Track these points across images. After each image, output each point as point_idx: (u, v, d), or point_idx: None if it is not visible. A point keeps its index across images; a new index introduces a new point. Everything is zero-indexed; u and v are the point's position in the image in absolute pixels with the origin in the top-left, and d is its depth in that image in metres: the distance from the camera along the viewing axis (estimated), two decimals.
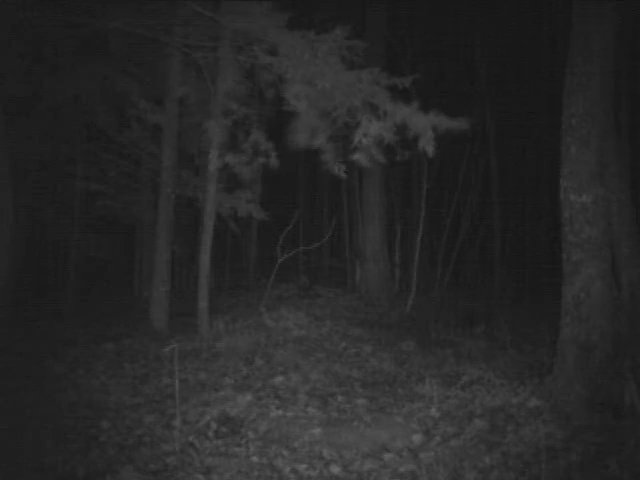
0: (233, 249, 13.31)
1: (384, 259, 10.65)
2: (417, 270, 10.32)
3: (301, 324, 7.97)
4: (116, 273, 12.34)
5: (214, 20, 6.28)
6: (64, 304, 9.20)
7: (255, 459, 3.96)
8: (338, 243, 14.19)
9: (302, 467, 3.86)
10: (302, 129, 6.28)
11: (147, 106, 7.97)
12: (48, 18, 6.63)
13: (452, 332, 8.10)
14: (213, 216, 7.49)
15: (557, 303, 4.99)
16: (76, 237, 9.67)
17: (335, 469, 3.84)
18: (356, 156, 6.26)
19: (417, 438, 4.28)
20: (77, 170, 9.31)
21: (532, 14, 12.17)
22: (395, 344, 7.33)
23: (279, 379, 5.81)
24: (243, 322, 7.93)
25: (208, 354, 6.63)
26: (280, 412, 4.88)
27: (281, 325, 7.87)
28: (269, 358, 6.54)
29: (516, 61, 13.26)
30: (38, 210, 9.55)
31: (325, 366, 6.34)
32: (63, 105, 8.04)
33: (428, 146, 5.99)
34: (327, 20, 8.43)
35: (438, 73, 13.20)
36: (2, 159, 6.30)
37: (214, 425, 4.51)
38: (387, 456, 4.01)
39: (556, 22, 11.33)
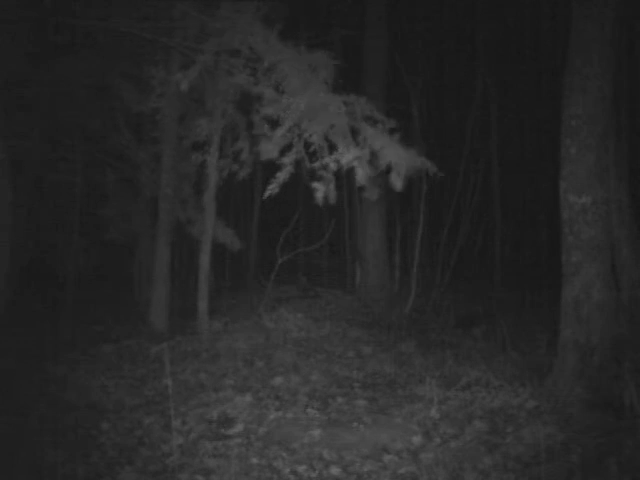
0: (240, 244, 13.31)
1: (384, 260, 10.64)
2: (417, 271, 10.31)
3: (301, 325, 7.97)
4: (116, 274, 12.32)
5: (209, 25, 6.29)
6: (64, 305, 9.19)
7: (255, 460, 3.96)
8: (338, 244, 14.18)
9: (302, 468, 3.86)
10: (275, 141, 6.28)
11: (137, 105, 7.90)
12: (45, 19, 6.64)
13: (452, 333, 8.10)
14: (213, 216, 7.49)
15: (557, 304, 4.99)
16: (76, 239, 9.66)
17: (335, 470, 3.84)
18: (315, 185, 6.18)
19: (417, 439, 4.28)
20: (77, 172, 9.30)
21: (533, 14, 12.20)
22: (395, 345, 7.33)
23: (279, 380, 5.80)
24: (243, 323, 7.92)
25: (208, 355, 6.63)
26: (280, 413, 4.88)
27: (281, 326, 7.87)
28: (269, 359, 6.54)
29: (517, 60, 13.28)
30: (38, 211, 9.54)
31: (325, 367, 6.34)
32: (59, 103, 8.01)
33: (398, 181, 5.97)
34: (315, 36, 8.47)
35: (439, 73, 13.22)
36: (2, 160, 6.30)
37: (214, 426, 4.52)
38: (387, 457, 4.01)
39: (557, 22, 11.35)
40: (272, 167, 7.20)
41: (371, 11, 10.44)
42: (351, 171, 6.14)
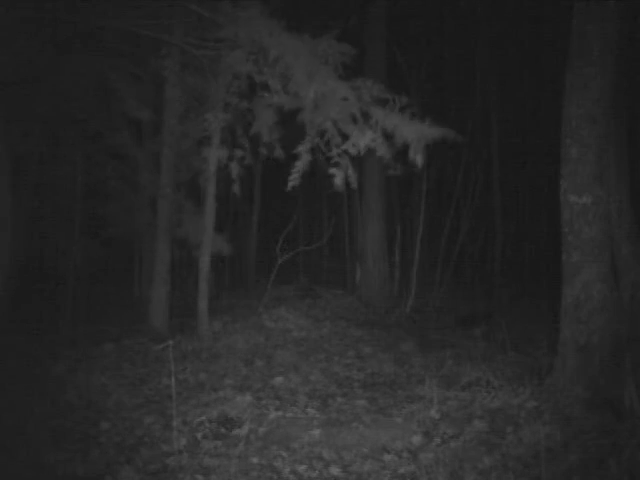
0: (233, 249, 13.30)
1: (384, 260, 10.64)
2: (417, 271, 10.32)
3: (301, 325, 7.98)
4: (116, 273, 12.33)
5: (213, 21, 6.26)
6: (64, 304, 9.20)
7: (255, 460, 3.96)
8: (338, 243, 14.19)
9: (302, 468, 3.86)
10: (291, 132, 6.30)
11: (137, 104, 7.86)
12: (48, 16, 6.62)
13: (452, 333, 8.11)
14: (213, 216, 7.48)
15: (557, 304, 4.99)
16: (76, 239, 9.66)
17: (335, 470, 3.84)
18: (333, 171, 6.14)
19: (417, 439, 4.28)
20: (77, 171, 9.29)
21: (533, 14, 12.20)
22: (395, 345, 7.33)
23: (279, 380, 5.80)
24: (243, 323, 7.93)
25: (208, 355, 6.63)
26: (280, 413, 4.88)
27: (281, 326, 7.87)
28: (269, 359, 6.55)
29: (518, 60, 13.29)
30: (38, 211, 9.54)
31: (325, 367, 6.34)
32: (60, 102, 7.99)
33: (418, 156, 5.93)
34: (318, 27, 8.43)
35: (440, 73, 13.22)
36: (2, 160, 6.30)
37: (214, 426, 4.52)
38: (387, 457, 4.01)
39: (558, 23, 11.34)
40: (271, 164, 7.16)
41: (371, 9, 10.43)
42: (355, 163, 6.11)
